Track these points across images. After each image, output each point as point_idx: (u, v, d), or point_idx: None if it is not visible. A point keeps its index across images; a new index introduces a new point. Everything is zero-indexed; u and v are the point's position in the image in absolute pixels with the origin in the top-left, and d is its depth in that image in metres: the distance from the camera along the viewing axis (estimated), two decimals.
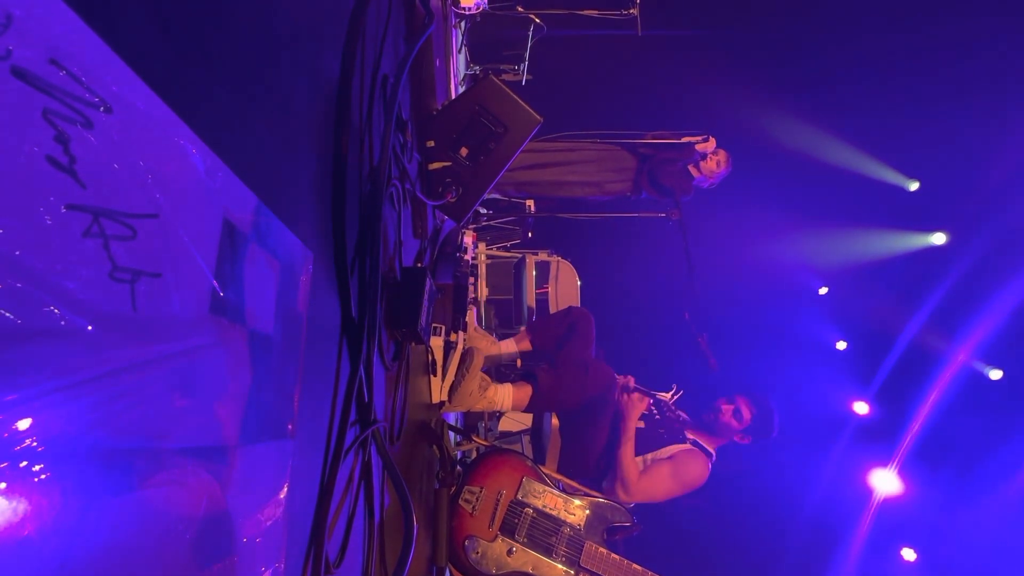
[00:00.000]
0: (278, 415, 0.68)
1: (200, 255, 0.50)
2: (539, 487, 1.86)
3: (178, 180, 0.47)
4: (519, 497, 1.83)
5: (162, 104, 0.45)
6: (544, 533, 1.80)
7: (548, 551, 1.78)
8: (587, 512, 1.86)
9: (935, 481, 5.26)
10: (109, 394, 0.39)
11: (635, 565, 1.80)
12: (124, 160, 0.41)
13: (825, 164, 6.61)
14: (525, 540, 1.78)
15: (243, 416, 0.59)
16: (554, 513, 1.83)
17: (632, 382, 2.16)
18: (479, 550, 1.74)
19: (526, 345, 2.34)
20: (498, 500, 1.81)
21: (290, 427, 0.72)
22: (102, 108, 0.39)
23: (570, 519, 1.84)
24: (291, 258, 0.73)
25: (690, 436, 2.25)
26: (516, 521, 1.80)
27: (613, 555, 1.81)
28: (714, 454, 2.22)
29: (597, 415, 2.13)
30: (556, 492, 1.88)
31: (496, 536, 1.77)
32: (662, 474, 2.10)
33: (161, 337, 0.45)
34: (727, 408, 2.22)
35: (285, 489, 0.68)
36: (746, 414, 2.20)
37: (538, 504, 1.83)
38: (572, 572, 1.77)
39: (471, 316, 2.01)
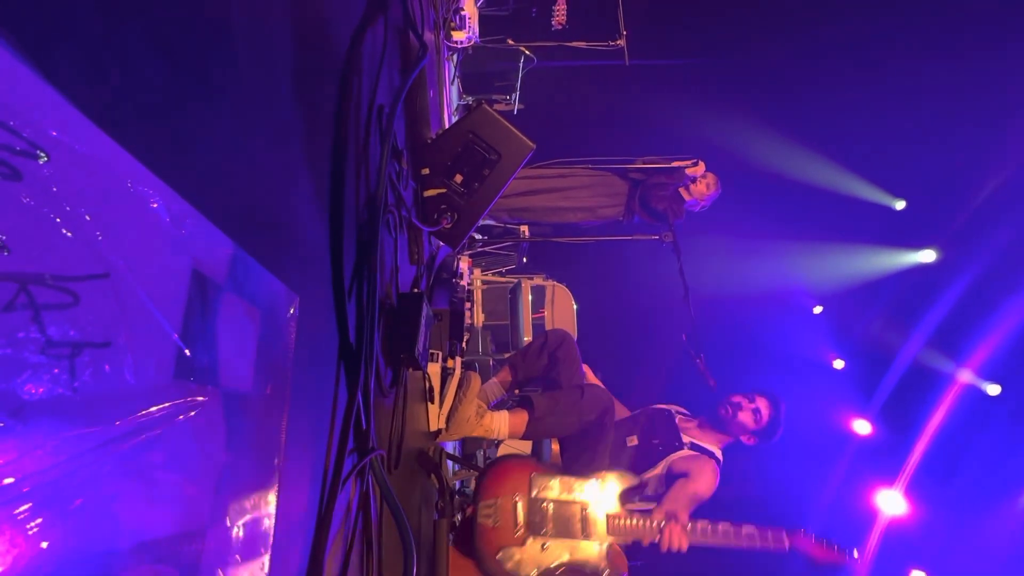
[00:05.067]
0: (258, 480, 0.62)
1: (162, 314, 0.45)
2: (548, 479, 1.91)
3: (135, 232, 0.41)
4: (534, 495, 1.85)
5: (116, 147, 0.39)
6: (568, 520, 1.86)
7: (577, 534, 1.84)
8: (598, 488, 1.92)
9: (943, 500, 5.19)
10: (40, 497, 0.32)
11: (653, 519, 1.87)
12: (65, 214, 0.35)
13: (812, 185, 6.74)
14: (553, 531, 1.83)
15: (215, 490, 0.53)
16: (571, 498, 1.89)
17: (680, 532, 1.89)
18: (514, 558, 1.77)
19: (510, 383, 2.28)
20: (515, 504, 1.83)
21: (273, 490, 0.66)
22: (36, 156, 0.33)
23: (587, 498, 1.90)
24: (273, 304, 0.67)
25: (687, 440, 2.17)
26: (539, 518, 1.84)
27: (632, 517, 1.88)
28: (719, 455, 2.14)
29: (596, 440, 2.09)
30: (565, 477, 1.91)
31: (526, 539, 1.80)
32: (686, 503, 1.99)
33: (110, 417, 0.38)
34: (748, 407, 2.16)
35: (267, 558, 0.63)
36: (765, 416, 2.16)
37: (553, 495, 1.89)
38: (604, 545, 1.83)
39: (475, 382, 2.01)
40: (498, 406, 2.26)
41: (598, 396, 2.08)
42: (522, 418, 2.04)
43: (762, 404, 2.18)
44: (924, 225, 6.44)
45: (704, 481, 2.04)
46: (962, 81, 5.59)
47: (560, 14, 4.14)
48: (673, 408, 2.35)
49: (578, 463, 2.14)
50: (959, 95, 5.64)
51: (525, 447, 3.22)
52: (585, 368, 2.68)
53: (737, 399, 2.19)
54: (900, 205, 6.74)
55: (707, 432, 2.22)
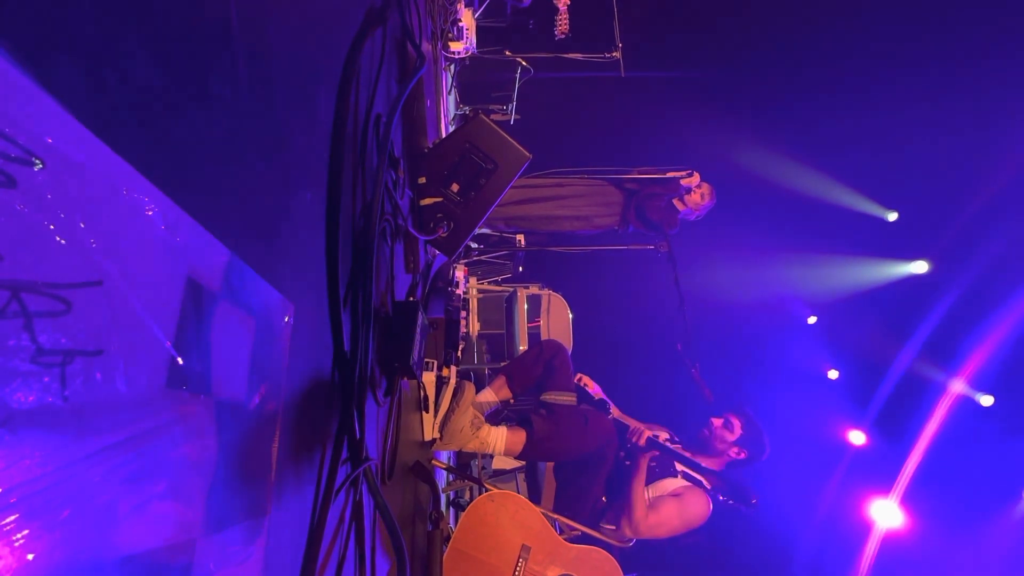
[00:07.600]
0: (252, 490, 0.62)
1: (156, 322, 0.44)
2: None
3: (129, 239, 0.41)
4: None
5: (112, 154, 0.40)
6: None
7: None
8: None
9: (938, 511, 5.18)
10: (28, 508, 0.32)
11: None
12: (59, 222, 0.35)
13: (806, 196, 6.81)
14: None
15: (207, 500, 0.53)
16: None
17: (653, 437, 2.14)
18: None
19: (505, 393, 2.26)
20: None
21: (268, 500, 0.65)
22: (31, 163, 0.33)
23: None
24: (269, 312, 0.67)
25: (680, 468, 2.20)
26: None
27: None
28: (708, 487, 2.20)
29: (594, 469, 2.07)
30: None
31: None
32: (669, 512, 2.07)
33: (100, 426, 0.38)
34: (717, 421, 2.29)
35: (258, 570, 0.63)
36: (736, 426, 2.27)
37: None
38: None
39: (470, 391, 2.01)
40: (494, 415, 2.25)
41: (601, 426, 2.05)
42: (520, 437, 2.02)
43: (731, 417, 2.30)
44: (916, 237, 6.51)
45: (698, 504, 2.09)
46: (954, 94, 5.68)
47: (563, 23, 4.20)
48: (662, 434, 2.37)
49: (573, 487, 2.12)
50: (951, 108, 5.73)
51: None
52: (587, 380, 2.68)
53: (710, 420, 2.33)
54: (892, 216, 6.82)
55: (697, 456, 2.25)
